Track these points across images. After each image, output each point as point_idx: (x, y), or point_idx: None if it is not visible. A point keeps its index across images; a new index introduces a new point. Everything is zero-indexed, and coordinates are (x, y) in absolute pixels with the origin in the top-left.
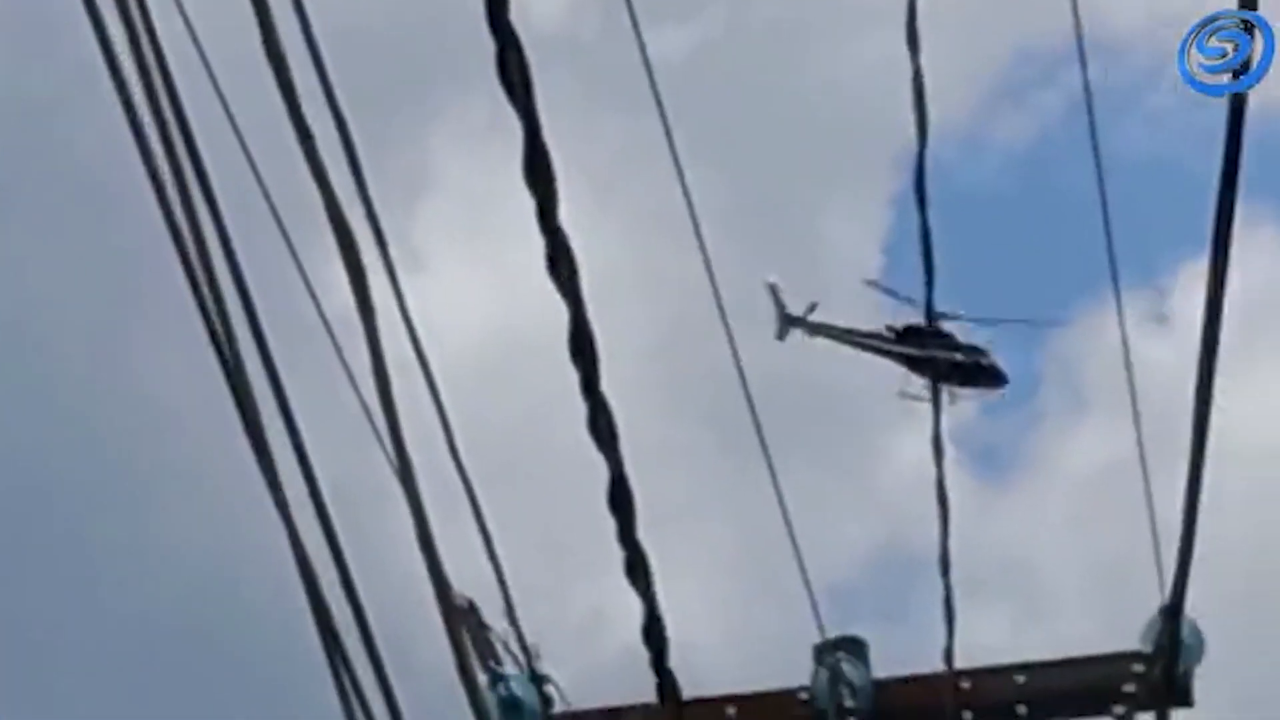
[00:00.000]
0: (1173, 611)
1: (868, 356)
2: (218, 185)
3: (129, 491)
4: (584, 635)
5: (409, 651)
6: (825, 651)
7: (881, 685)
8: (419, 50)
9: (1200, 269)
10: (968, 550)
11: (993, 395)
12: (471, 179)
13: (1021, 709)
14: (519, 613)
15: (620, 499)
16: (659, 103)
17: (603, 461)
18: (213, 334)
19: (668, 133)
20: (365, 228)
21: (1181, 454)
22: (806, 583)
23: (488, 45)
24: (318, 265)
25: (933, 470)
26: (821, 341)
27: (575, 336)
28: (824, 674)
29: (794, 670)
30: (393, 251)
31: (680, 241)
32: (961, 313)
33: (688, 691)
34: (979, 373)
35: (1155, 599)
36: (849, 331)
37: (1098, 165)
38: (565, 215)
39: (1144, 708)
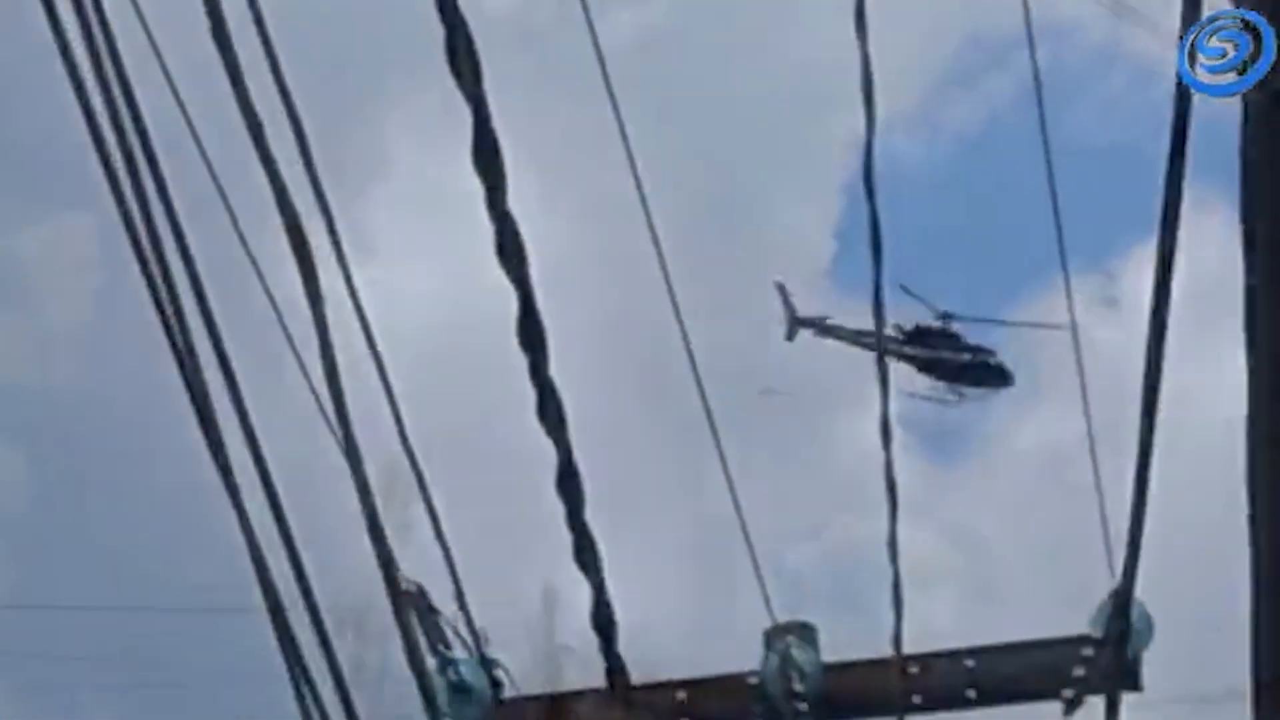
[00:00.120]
0: (1123, 596)
1: (822, 341)
2: (169, 172)
3: (76, 477)
4: (535, 621)
5: (361, 637)
6: (775, 636)
7: (831, 669)
8: (372, 36)
9: (1149, 252)
10: (918, 534)
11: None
12: (424, 165)
13: (971, 693)
14: (468, 598)
15: (569, 484)
16: (609, 88)
17: (552, 446)
18: (164, 320)
19: (618, 117)
20: (317, 214)
21: (1132, 437)
22: (756, 567)
23: (438, 31)
24: (270, 251)
25: (882, 455)
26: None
27: (524, 322)
28: (774, 659)
29: (746, 656)
30: (343, 237)
31: (631, 227)
32: (961, 314)
33: (637, 675)
34: (986, 372)
35: (1106, 583)
36: (858, 333)
37: (1046, 150)
38: (514, 201)
39: (1093, 691)
